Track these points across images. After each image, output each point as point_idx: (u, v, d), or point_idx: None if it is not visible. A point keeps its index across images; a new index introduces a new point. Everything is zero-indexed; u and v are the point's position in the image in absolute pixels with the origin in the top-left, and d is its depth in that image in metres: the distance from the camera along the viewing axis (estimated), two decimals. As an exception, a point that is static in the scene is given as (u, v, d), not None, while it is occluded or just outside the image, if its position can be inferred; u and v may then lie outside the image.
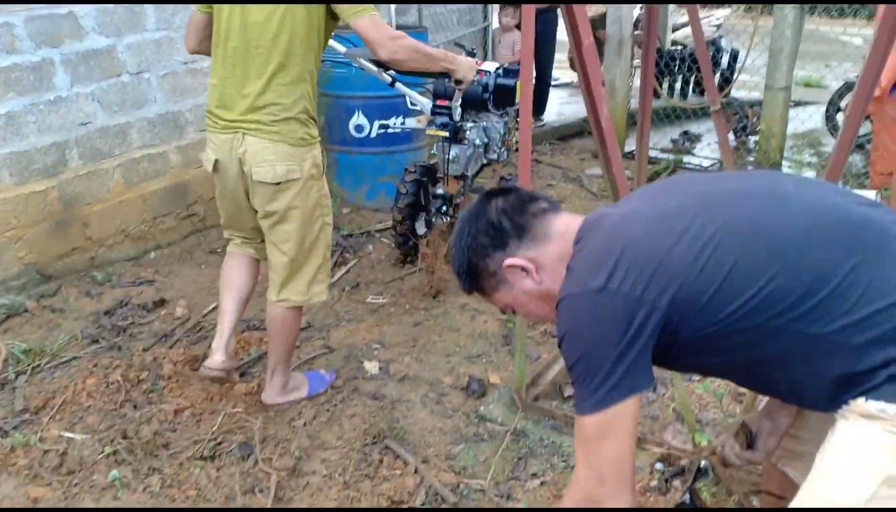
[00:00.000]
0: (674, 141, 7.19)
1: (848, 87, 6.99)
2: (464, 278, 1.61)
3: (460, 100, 3.76)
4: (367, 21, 2.49)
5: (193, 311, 3.74)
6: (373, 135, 4.84)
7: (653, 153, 6.22)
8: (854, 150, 6.71)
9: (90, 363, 3.15)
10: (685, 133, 7.31)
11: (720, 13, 10.52)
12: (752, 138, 7.18)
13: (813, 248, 1.35)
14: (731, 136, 7.25)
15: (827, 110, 7.02)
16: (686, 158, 6.03)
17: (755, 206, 1.42)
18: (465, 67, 3.02)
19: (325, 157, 4.93)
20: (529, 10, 2.44)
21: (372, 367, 3.24)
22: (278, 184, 2.57)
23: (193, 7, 2.72)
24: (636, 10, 6.81)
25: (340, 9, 2.50)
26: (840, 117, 6.98)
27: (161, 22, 4.19)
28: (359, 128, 4.83)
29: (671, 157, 5.42)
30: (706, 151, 7.05)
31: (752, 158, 6.74)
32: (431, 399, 3.02)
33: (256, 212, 2.68)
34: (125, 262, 4.23)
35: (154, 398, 2.96)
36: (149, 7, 4.12)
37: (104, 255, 4.18)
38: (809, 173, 6.20)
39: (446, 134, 3.82)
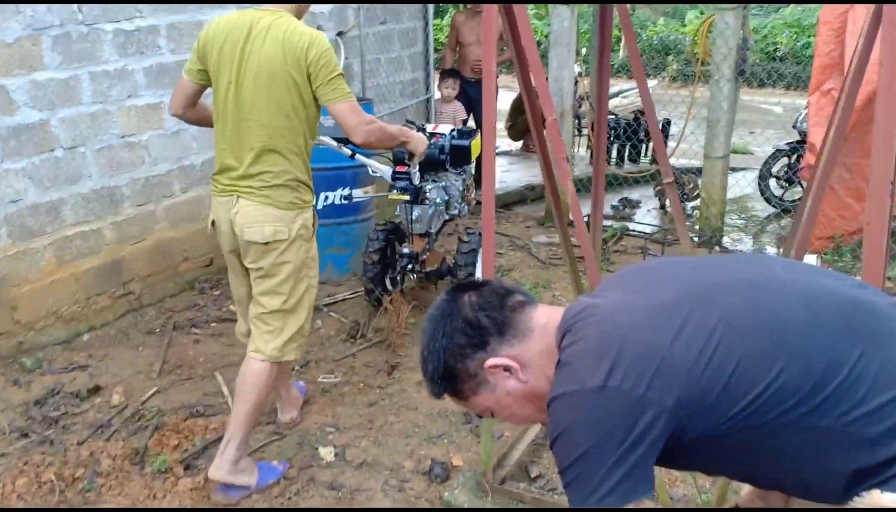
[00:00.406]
0: (614, 207, 7.28)
1: (778, 153, 7.24)
2: (437, 383, 1.47)
3: (418, 165, 3.91)
4: (345, 107, 2.68)
5: (131, 397, 3.51)
6: (319, 207, 4.72)
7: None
8: (782, 215, 6.95)
9: (20, 461, 2.90)
10: (624, 199, 7.43)
11: (652, 83, 10.89)
12: (690, 205, 7.34)
13: (817, 337, 1.29)
14: (668, 203, 7.41)
15: (760, 177, 7.23)
16: (630, 225, 6.08)
17: (751, 295, 1.36)
18: (417, 141, 3.26)
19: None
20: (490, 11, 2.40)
21: (327, 453, 3.06)
22: (266, 243, 2.70)
23: (183, 75, 2.83)
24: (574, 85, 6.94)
25: (320, 92, 2.65)
26: (773, 183, 7.21)
27: (97, 95, 4.04)
28: (304, 200, 4.70)
29: (616, 224, 5.45)
30: (647, 218, 7.17)
31: (691, 224, 6.87)
32: (393, 487, 2.86)
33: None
34: (56, 346, 3.98)
35: (91, 498, 2.73)
36: (84, 80, 3.97)
37: (33, 339, 3.92)
38: (746, 238, 6.33)
39: (408, 197, 4.03)
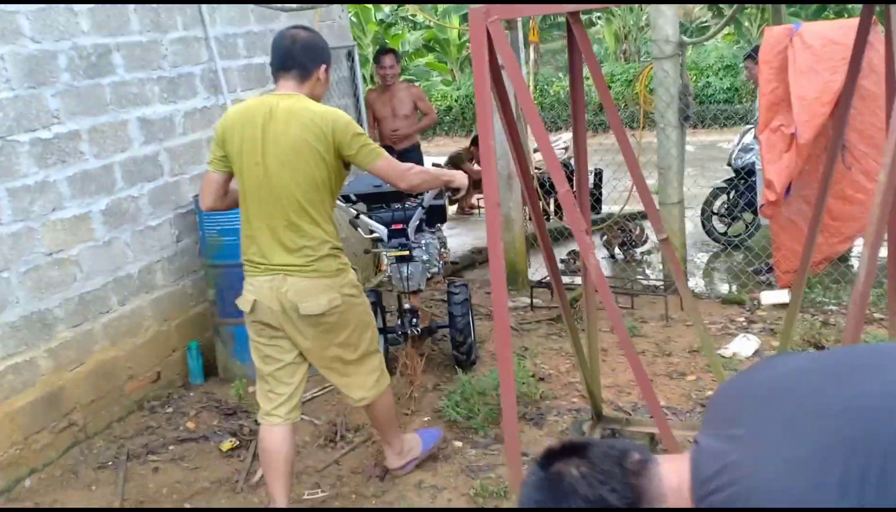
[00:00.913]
0: (563, 261, 7.15)
1: (718, 191, 7.29)
2: None
3: (417, 221, 4.12)
4: (383, 164, 2.86)
5: (93, 549, 3.06)
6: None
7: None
8: (732, 250, 6.96)
9: None
10: (572, 253, 7.31)
11: (567, 136, 10.97)
12: (639, 250, 7.28)
13: None
14: (616, 251, 7.34)
15: (703, 215, 7.25)
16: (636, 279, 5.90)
17: None
18: (459, 177, 3.29)
19: (221, 333, 4.45)
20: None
21: (334, 584, 2.70)
22: (323, 313, 2.84)
23: (209, 168, 2.96)
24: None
25: (357, 160, 2.83)
26: (716, 221, 7.24)
27: (18, 212, 3.65)
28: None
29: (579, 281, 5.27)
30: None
31: (643, 270, 6.79)
32: None
33: (294, 350, 2.96)
34: (-6, 498, 3.48)
35: None
36: (3, 198, 3.58)
37: (-33, 495, 3.42)
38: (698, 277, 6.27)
39: (407, 252, 4.13)
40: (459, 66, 21.63)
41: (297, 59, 2.84)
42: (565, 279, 6.06)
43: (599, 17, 21.14)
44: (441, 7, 20.86)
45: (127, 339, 4.20)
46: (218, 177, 2.95)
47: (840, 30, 4.59)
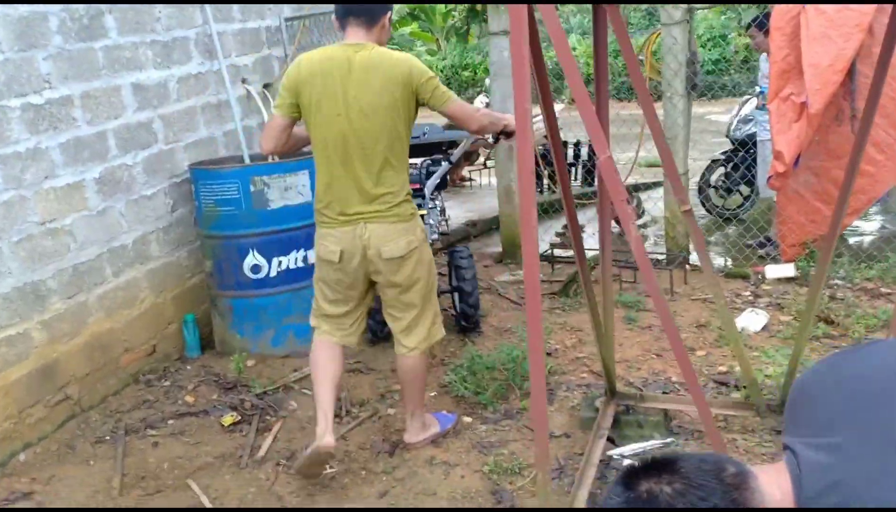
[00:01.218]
0: (559, 234, 7.07)
1: (714, 163, 7.21)
2: None
3: (438, 179, 4.23)
4: (455, 106, 3.05)
5: (94, 527, 2.96)
6: (273, 274, 4.28)
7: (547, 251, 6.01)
8: (725, 223, 6.90)
9: None
10: (567, 226, 7.22)
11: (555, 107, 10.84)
12: (635, 223, 7.19)
13: None
14: (614, 226, 7.25)
15: (699, 188, 7.17)
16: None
17: None
18: (513, 119, 3.33)
19: (219, 305, 4.33)
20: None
21: (348, 564, 2.62)
22: (402, 256, 3.01)
23: (274, 112, 3.08)
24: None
25: (432, 102, 2.98)
26: (712, 193, 7.16)
27: (9, 180, 3.49)
28: (255, 268, 4.25)
29: (592, 256, 5.15)
30: (592, 241, 6.97)
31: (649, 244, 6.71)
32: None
33: (367, 290, 3.15)
34: (-11, 475, 3.37)
35: None
36: (-6, 163, 3.43)
37: (-39, 472, 3.31)
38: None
39: (425, 211, 4.15)
40: (445, 36, 21.33)
41: (365, 7, 2.97)
42: (561, 253, 6.00)
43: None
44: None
45: (122, 311, 4.08)
46: (285, 122, 3.05)
47: (854, -5, 4.49)
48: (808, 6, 4.54)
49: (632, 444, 3.21)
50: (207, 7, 4.47)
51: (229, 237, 4.24)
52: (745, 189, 7.36)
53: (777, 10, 4.66)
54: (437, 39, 20.96)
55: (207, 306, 4.52)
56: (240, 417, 3.72)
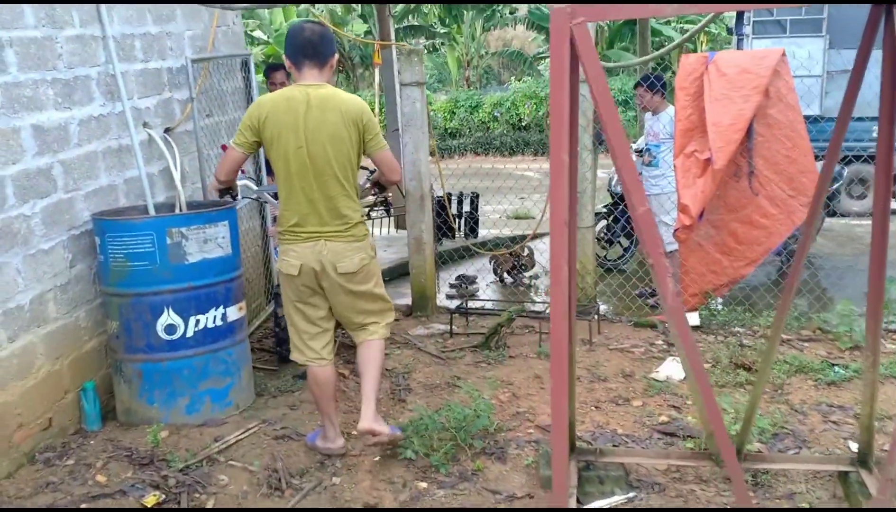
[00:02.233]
0: (453, 286, 7.05)
1: (596, 216, 7.47)
2: None
3: None
4: (388, 154, 3.47)
5: None
6: (189, 334, 3.93)
7: (455, 304, 5.96)
8: (608, 273, 7.16)
9: None
10: (461, 277, 7.22)
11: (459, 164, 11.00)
12: (527, 274, 7.31)
13: None
14: (507, 277, 7.32)
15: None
16: (525, 305, 5.82)
17: None
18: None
19: (125, 370, 3.92)
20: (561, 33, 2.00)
21: None
22: (355, 271, 3.42)
23: (235, 148, 3.42)
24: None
25: (370, 144, 3.39)
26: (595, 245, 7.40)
27: None
28: (170, 328, 3.89)
29: (513, 308, 5.11)
30: (488, 292, 7.01)
31: (539, 298, 6.81)
32: None
33: (327, 302, 3.52)
34: None
35: None
36: None
37: None
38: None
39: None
40: (360, 77, 21.10)
41: (318, 49, 3.32)
42: (455, 303, 5.97)
43: (443, 44, 21.45)
44: (285, 22, 20.32)
45: (16, 381, 3.57)
46: (242, 156, 3.43)
47: (752, 59, 4.84)
48: (709, 68, 4.83)
49: (596, 501, 3.17)
50: (111, 43, 4.12)
51: (141, 294, 3.86)
52: (624, 241, 7.69)
53: (682, 71, 4.93)
54: (351, 78, 20.75)
55: (108, 372, 4.08)
56: (164, 497, 3.33)
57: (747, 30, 9.46)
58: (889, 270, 6.74)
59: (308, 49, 3.30)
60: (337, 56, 3.43)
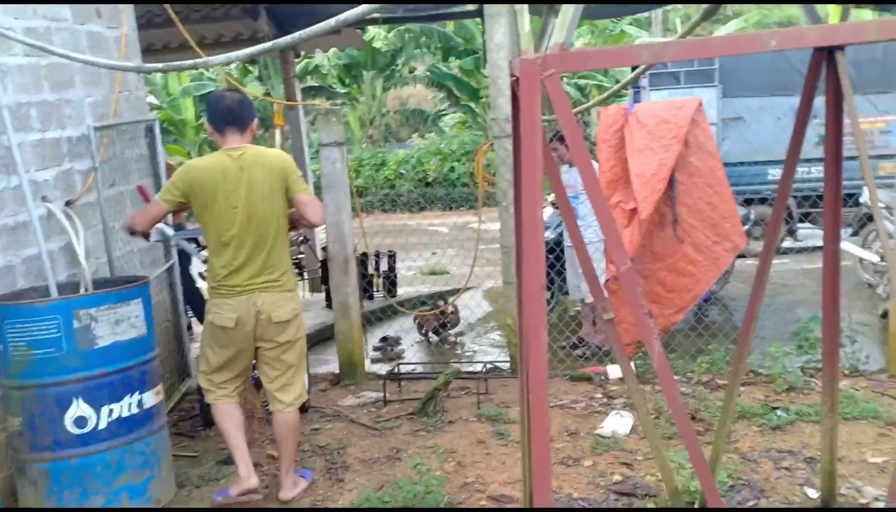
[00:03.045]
0: (378, 348, 6.81)
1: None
2: None
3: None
4: (312, 196, 3.61)
5: None
6: (102, 426, 3.56)
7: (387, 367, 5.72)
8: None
9: None
10: (384, 338, 7.00)
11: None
12: (453, 332, 7.14)
13: None
14: (432, 336, 7.13)
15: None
16: (461, 366, 5.63)
17: None
18: None
19: (29, 471, 3.52)
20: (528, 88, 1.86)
21: None
22: (288, 320, 3.57)
23: (160, 202, 3.59)
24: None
25: (294, 188, 3.53)
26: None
27: None
28: (80, 421, 3.51)
29: (449, 371, 4.90)
30: (412, 352, 6.79)
31: (458, 352, 6.65)
32: None
33: (251, 358, 3.67)
34: None
35: None
36: None
37: None
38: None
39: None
40: (199, 150, 20.60)
41: (238, 115, 3.55)
42: (382, 367, 5.75)
43: (344, 104, 21.43)
44: (179, 88, 19.86)
45: None
46: (165, 210, 3.60)
47: (670, 109, 4.90)
48: (629, 119, 4.87)
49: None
50: (6, 113, 3.78)
51: (46, 385, 3.48)
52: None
53: (602, 124, 4.95)
54: (189, 153, 20.20)
55: (10, 474, 3.65)
56: None
57: (644, 82, 9.76)
58: (804, 309, 6.93)
59: (229, 116, 3.53)
60: (257, 120, 3.64)
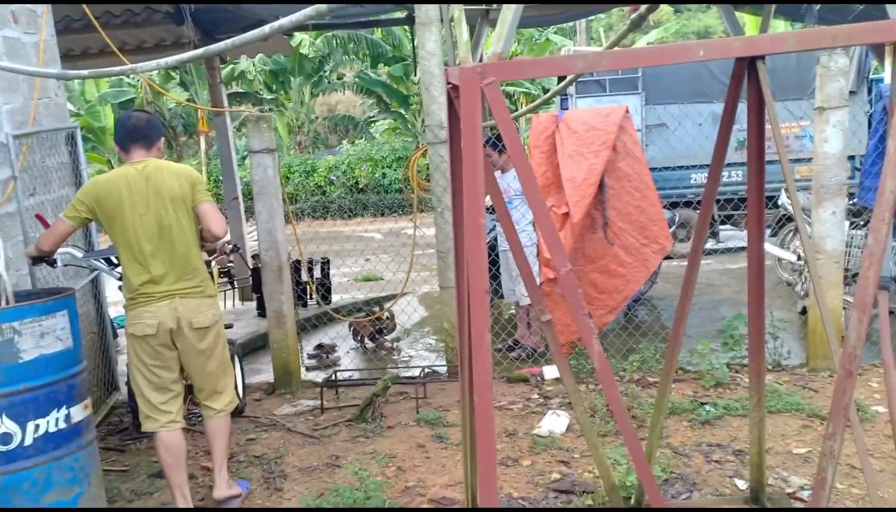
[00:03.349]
0: (313, 356, 6.75)
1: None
2: None
3: None
4: (214, 206, 3.61)
5: None
6: (28, 442, 3.43)
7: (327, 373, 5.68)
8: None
9: None
10: (319, 346, 6.94)
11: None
12: (389, 338, 7.13)
13: None
14: (368, 342, 7.11)
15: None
16: (399, 372, 5.63)
17: None
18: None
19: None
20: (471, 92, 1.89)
21: None
22: (209, 326, 3.56)
23: (65, 221, 3.55)
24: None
25: (198, 199, 3.54)
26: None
27: None
28: (5, 438, 3.37)
29: (387, 377, 4.89)
30: (348, 359, 6.76)
31: (395, 357, 6.65)
32: None
33: (178, 363, 3.59)
34: None
35: None
36: None
37: None
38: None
39: None
40: (118, 159, 20.10)
41: (144, 133, 3.59)
42: (318, 375, 5.72)
43: (271, 110, 21.18)
44: (97, 94, 19.31)
45: None
46: (71, 229, 3.58)
47: (599, 116, 5.02)
48: (559, 126, 4.97)
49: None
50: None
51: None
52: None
53: (534, 131, 5.04)
54: (109, 160, 19.64)
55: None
56: None
57: (571, 89, 9.96)
58: (728, 307, 7.16)
59: (135, 134, 3.57)
60: (164, 139, 3.72)
